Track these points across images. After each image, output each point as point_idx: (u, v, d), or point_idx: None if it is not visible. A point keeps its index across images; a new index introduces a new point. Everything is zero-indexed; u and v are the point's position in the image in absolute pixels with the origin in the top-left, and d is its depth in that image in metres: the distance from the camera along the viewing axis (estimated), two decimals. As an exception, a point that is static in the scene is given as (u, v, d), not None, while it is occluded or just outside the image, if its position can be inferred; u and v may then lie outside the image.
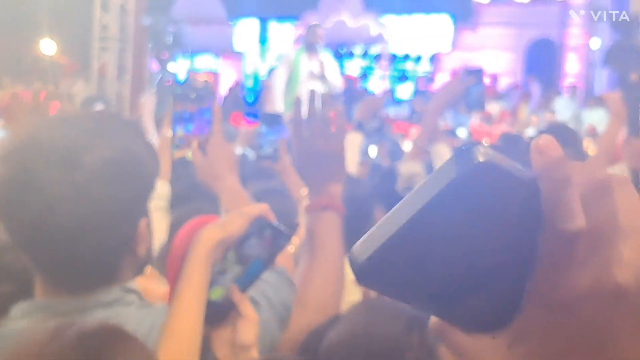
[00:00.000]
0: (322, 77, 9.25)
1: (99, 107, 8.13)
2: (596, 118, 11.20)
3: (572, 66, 17.31)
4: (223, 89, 16.87)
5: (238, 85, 16.18)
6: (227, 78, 18.28)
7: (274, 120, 2.90)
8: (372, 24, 18.63)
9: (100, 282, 1.54)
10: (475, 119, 10.97)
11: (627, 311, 0.50)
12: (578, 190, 0.51)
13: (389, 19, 18.61)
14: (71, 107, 9.60)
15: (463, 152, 0.51)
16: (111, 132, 1.50)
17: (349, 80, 13.81)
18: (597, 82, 16.60)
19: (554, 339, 0.52)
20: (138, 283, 1.63)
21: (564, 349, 0.52)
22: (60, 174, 1.41)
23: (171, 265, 1.55)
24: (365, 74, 17.84)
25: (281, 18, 19.06)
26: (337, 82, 9.56)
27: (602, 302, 0.50)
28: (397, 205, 0.51)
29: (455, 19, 18.47)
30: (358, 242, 0.52)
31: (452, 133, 8.27)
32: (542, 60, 17.61)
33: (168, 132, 2.52)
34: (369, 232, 0.52)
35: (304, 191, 4.19)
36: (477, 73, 4.25)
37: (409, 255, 0.51)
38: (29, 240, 1.47)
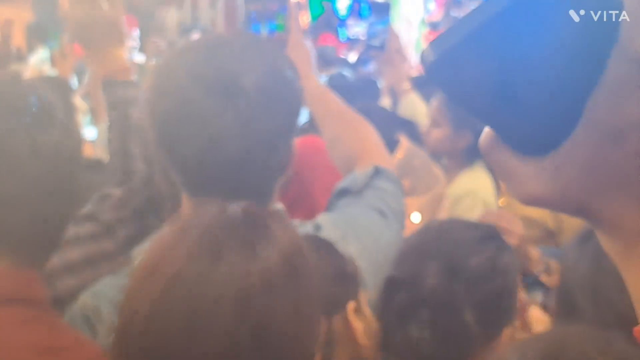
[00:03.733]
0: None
1: (195, 35, 8.15)
2: None
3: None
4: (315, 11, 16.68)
5: (329, 6, 15.96)
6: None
7: (383, 9, 2.82)
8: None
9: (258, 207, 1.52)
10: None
11: None
12: None
13: None
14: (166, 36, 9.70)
15: None
16: (261, 55, 1.46)
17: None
18: None
19: (598, 169, 0.51)
20: None
21: (605, 182, 0.51)
22: (224, 104, 1.37)
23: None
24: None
25: None
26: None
27: None
28: (474, 8, 0.51)
29: None
30: (433, 40, 0.52)
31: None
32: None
33: None
34: (443, 32, 0.52)
35: (406, 85, 4.14)
36: None
37: (478, 58, 0.50)
38: (191, 172, 1.44)
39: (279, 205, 1.57)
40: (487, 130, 0.56)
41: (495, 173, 0.57)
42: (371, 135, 1.95)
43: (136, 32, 7.10)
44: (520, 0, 0.49)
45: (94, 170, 3.27)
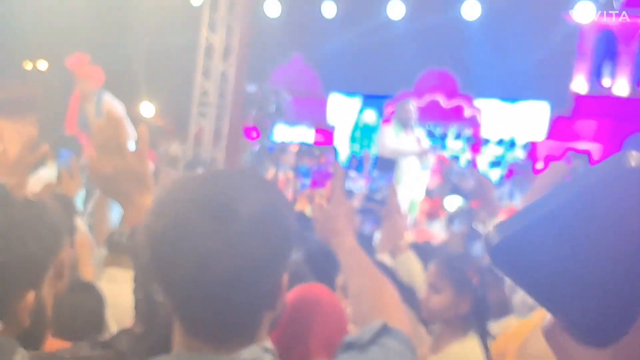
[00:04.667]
0: (419, 153, 9.27)
1: (199, 171, 8.26)
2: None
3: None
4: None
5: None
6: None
7: (388, 166, 2.90)
8: (467, 106, 18.62)
9: (244, 339, 1.52)
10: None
11: None
12: None
13: (484, 103, 18.59)
14: (172, 169, 9.83)
15: (617, 156, 0.51)
16: (257, 188, 1.51)
17: (439, 160, 13.77)
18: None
19: None
20: None
21: None
22: (216, 225, 1.41)
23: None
24: (457, 156, 17.78)
25: (376, 97, 19.23)
26: (430, 159, 9.58)
27: None
28: (542, 196, 0.52)
29: (552, 107, 18.32)
30: (496, 224, 0.53)
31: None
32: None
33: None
34: (509, 217, 0.53)
35: (404, 241, 4.19)
36: (584, 157, 4.18)
37: (543, 244, 0.51)
38: (181, 294, 1.46)
39: (269, 344, 1.57)
40: (550, 316, 0.57)
41: (555, 355, 0.57)
42: (392, 296, 2.02)
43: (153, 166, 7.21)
44: (584, 194, 0.51)
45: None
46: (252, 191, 1.49)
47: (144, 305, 1.84)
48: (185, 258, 1.42)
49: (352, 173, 11.14)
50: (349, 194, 12.13)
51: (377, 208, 3.49)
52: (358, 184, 10.75)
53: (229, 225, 1.42)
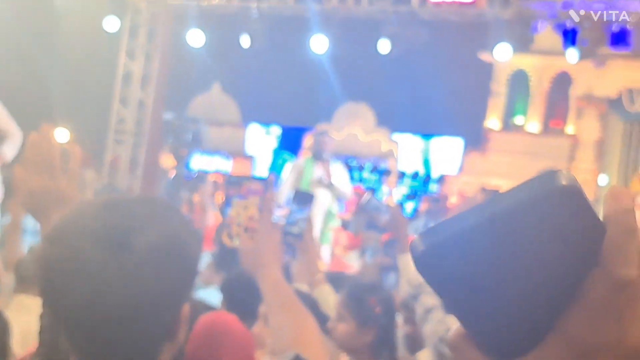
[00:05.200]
0: (329, 185, 9.33)
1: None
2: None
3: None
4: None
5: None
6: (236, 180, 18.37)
7: (305, 199, 2.92)
8: (384, 140, 18.87)
9: None
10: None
11: None
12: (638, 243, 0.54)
13: (400, 137, 18.86)
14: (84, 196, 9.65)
15: (547, 173, 0.53)
16: (158, 216, 1.46)
17: (356, 192, 13.89)
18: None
19: None
20: None
21: None
22: (109, 256, 1.37)
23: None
24: (373, 189, 17.97)
25: (294, 128, 19.32)
26: (346, 191, 9.63)
27: None
28: (471, 208, 0.53)
29: (466, 142, 18.71)
30: (423, 231, 0.55)
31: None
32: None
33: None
34: (436, 224, 0.54)
35: (320, 274, 4.23)
36: (495, 192, 4.29)
37: (465, 255, 0.53)
38: (72, 324, 1.42)
39: None
40: (458, 326, 0.58)
41: None
42: (312, 329, 2.03)
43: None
44: (511, 210, 0.52)
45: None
46: (151, 219, 1.45)
47: (46, 333, 1.78)
48: (77, 289, 1.37)
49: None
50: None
51: (295, 242, 3.50)
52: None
53: (123, 255, 1.38)
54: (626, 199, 0.54)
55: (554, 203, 0.52)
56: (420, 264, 0.54)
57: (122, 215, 1.43)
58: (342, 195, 9.53)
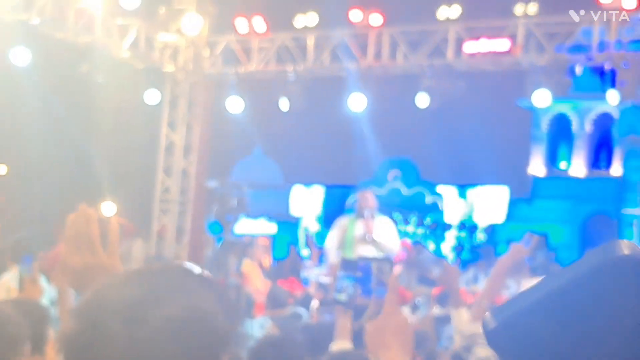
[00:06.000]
0: (372, 242, 9.30)
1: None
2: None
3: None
4: (278, 253, 16.99)
5: (294, 251, 16.31)
6: (282, 242, 18.43)
7: (351, 266, 2.94)
8: (427, 193, 18.81)
9: None
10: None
11: None
12: None
13: (444, 189, 18.80)
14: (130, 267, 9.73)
15: (609, 244, 0.53)
16: (180, 288, 1.46)
17: (403, 247, 13.82)
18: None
19: None
20: None
21: None
22: (124, 329, 1.37)
23: None
24: (420, 242, 17.88)
25: (338, 186, 19.38)
26: (392, 246, 9.57)
27: None
28: (539, 281, 0.54)
29: (512, 190, 18.58)
30: (496, 307, 0.56)
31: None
32: (599, 235, 17.47)
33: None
34: (508, 300, 0.55)
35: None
36: (541, 239, 4.25)
37: (536, 328, 0.53)
38: None
39: None
40: None
41: None
42: None
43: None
44: (575, 283, 0.53)
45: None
46: (172, 291, 1.44)
47: None
48: (96, 358, 1.37)
49: (308, 262, 11.15)
50: (305, 281, 12.08)
51: (341, 310, 3.47)
52: (313, 272, 10.78)
53: (138, 329, 1.37)
54: None
55: (618, 273, 0.51)
56: (493, 339, 0.55)
57: (143, 288, 1.44)
58: (387, 250, 9.48)
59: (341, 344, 3.57)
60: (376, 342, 2.08)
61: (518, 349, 0.53)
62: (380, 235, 9.43)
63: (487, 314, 0.55)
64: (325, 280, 9.72)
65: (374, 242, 9.32)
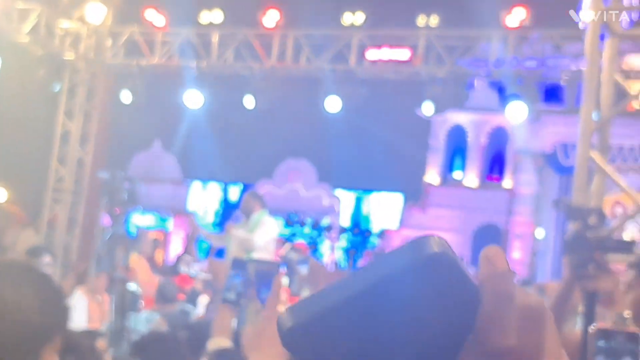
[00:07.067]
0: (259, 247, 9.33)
1: (45, 258, 8.04)
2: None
3: (516, 253, 17.66)
4: (174, 248, 16.83)
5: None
6: (177, 237, 18.28)
7: (240, 265, 2.98)
8: (325, 196, 18.98)
9: None
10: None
11: None
12: (515, 309, 0.50)
13: (341, 193, 19.00)
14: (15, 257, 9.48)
15: (418, 241, 0.50)
16: (31, 282, 1.52)
17: (298, 248, 13.87)
18: (540, 271, 16.91)
19: None
20: None
21: None
22: None
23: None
24: (315, 243, 18.02)
25: (236, 184, 19.34)
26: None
27: None
28: (338, 281, 0.51)
29: (406, 198, 18.93)
30: (291, 306, 0.52)
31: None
32: (487, 245, 17.88)
33: None
34: (303, 299, 0.52)
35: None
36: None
37: (336, 332, 0.50)
38: None
39: None
40: None
41: None
42: None
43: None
44: (381, 282, 0.50)
45: None
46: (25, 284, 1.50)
47: None
48: None
49: (187, 257, 11.13)
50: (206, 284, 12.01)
51: (224, 307, 3.47)
52: (193, 267, 10.78)
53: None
54: (501, 261, 0.51)
55: (425, 272, 0.49)
56: (288, 340, 0.51)
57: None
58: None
59: (219, 341, 3.58)
60: (252, 344, 2.10)
61: (312, 351, 0.51)
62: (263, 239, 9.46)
63: (283, 312, 0.52)
64: (205, 276, 9.71)
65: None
